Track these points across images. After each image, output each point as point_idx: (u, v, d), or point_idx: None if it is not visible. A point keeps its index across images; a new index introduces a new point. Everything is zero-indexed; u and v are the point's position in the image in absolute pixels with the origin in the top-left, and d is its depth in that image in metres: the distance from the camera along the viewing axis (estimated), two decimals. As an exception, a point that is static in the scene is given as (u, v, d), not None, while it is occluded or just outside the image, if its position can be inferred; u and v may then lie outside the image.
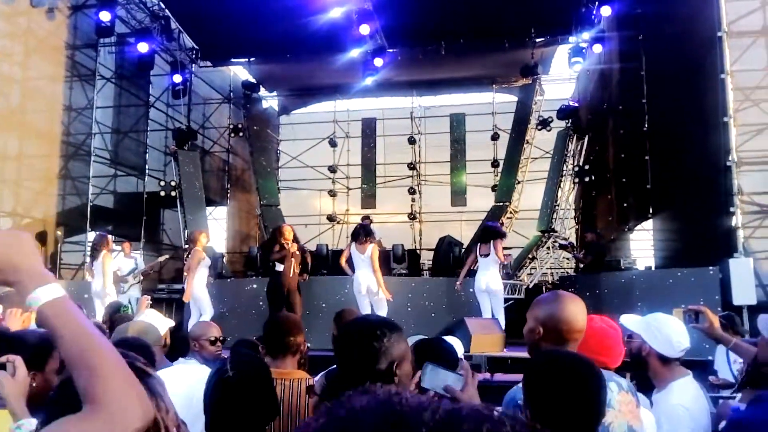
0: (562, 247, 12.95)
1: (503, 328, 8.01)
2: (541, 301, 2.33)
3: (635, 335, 3.04)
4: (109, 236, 9.58)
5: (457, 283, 8.79)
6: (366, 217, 12.39)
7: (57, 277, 11.64)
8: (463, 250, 11.36)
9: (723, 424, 2.81)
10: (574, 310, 2.20)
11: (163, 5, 13.70)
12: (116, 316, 4.49)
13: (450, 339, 3.98)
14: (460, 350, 3.94)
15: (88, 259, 9.36)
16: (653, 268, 10.73)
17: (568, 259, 13.65)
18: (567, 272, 13.75)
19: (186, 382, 2.74)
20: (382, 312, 8.19)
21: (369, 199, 18.78)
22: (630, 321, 3.11)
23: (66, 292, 1.11)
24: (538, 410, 1.70)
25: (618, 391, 2.07)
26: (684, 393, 2.86)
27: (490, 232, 8.79)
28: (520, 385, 1.98)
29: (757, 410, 2.25)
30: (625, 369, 4.44)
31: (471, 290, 8.71)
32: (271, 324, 3.17)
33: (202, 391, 2.11)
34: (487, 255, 8.57)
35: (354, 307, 5.38)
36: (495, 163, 17.13)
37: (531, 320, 2.29)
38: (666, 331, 2.93)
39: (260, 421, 2.06)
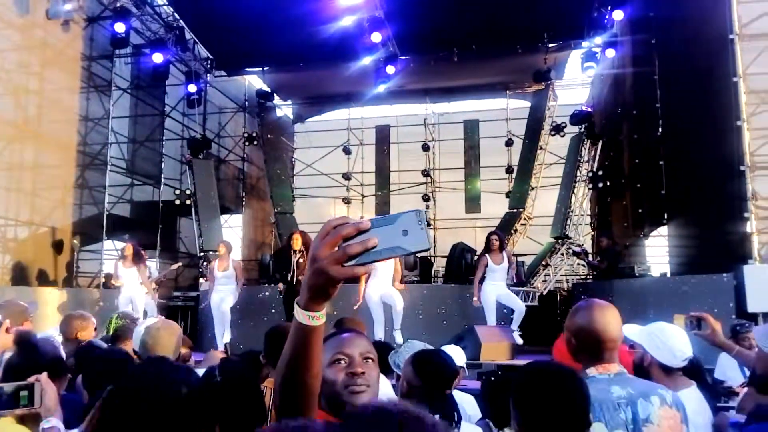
0: (576, 254, 12.85)
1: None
2: (574, 310, 2.30)
3: (637, 345, 3.01)
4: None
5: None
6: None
7: (74, 286, 11.84)
8: (475, 257, 11.31)
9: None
10: (605, 319, 2.15)
11: (177, 16, 13.86)
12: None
13: (451, 348, 3.97)
14: (461, 359, 3.93)
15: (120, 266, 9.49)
16: (668, 275, 10.60)
17: (582, 265, 13.54)
18: (582, 279, 13.65)
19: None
20: (399, 308, 8.16)
21: (383, 206, 18.79)
22: (631, 331, 3.07)
23: None
24: (525, 419, 1.70)
25: (660, 405, 2.02)
26: (687, 404, 2.80)
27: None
28: None
29: (761, 428, 2.21)
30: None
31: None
32: (271, 334, 3.18)
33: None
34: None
35: (355, 316, 5.36)
36: (509, 170, 17.05)
37: (566, 331, 2.27)
38: (668, 341, 2.88)
39: (246, 427, 2.06)
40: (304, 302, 1.18)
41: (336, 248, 1.11)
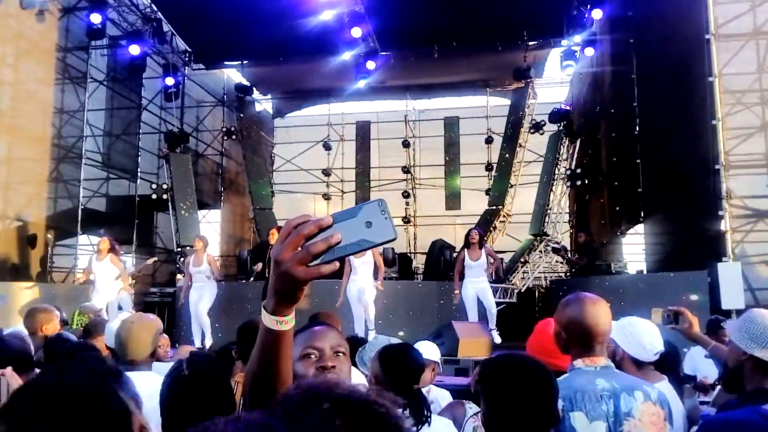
0: (555, 251, 12.93)
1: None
2: (563, 304, 2.30)
3: (609, 339, 3.01)
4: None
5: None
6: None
7: (48, 281, 11.66)
8: (454, 254, 11.33)
9: (695, 429, 2.79)
10: (597, 312, 2.16)
11: (155, 7, 13.68)
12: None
13: (425, 344, 3.95)
14: (435, 354, 3.91)
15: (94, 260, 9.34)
16: (644, 272, 10.70)
17: (561, 262, 13.62)
18: (560, 276, 13.72)
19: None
20: (371, 313, 8.22)
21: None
22: (604, 325, 3.09)
23: None
24: (490, 408, 1.69)
25: (643, 401, 2.03)
26: (658, 398, 2.83)
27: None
28: None
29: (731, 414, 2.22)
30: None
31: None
32: (243, 328, 3.14)
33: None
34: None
35: (331, 311, 5.31)
36: (489, 167, 17.10)
37: (556, 324, 2.27)
38: (638, 335, 2.90)
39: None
40: (272, 307, 1.14)
41: (299, 248, 1.07)
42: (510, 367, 1.76)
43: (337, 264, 1.09)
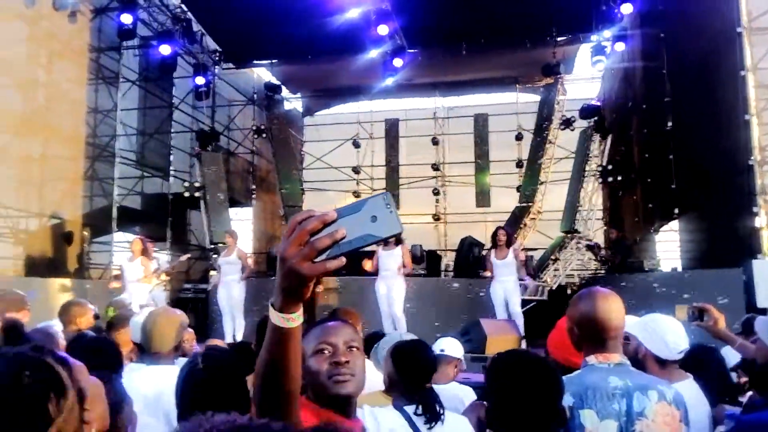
0: (589, 248, 12.78)
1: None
2: (576, 298, 2.27)
3: (631, 336, 2.97)
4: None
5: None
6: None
7: (85, 277, 11.92)
8: (483, 252, 11.28)
9: (721, 428, 2.73)
10: (609, 307, 2.12)
11: (185, 7, 13.85)
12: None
13: (448, 341, 3.95)
14: (459, 351, 3.91)
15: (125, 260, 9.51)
16: (679, 270, 10.51)
17: (594, 260, 13.44)
18: (593, 273, 13.55)
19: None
20: (398, 311, 8.22)
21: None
22: (627, 322, 3.04)
23: None
24: (495, 404, 1.68)
25: (657, 400, 1.98)
26: (682, 397, 2.78)
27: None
28: None
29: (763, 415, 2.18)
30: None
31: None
32: (262, 324, 3.16)
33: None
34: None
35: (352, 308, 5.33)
36: (519, 164, 16.96)
37: (568, 320, 2.25)
38: (662, 332, 2.84)
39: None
40: (279, 304, 1.14)
41: (304, 245, 1.07)
42: (515, 363, 1.76)
43: (343, 259, 1.09)
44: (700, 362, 3.29)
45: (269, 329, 1.17)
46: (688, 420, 2.04)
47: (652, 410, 1.94)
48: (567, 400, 1.89)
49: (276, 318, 1.15)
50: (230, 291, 9.23)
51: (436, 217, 17.93)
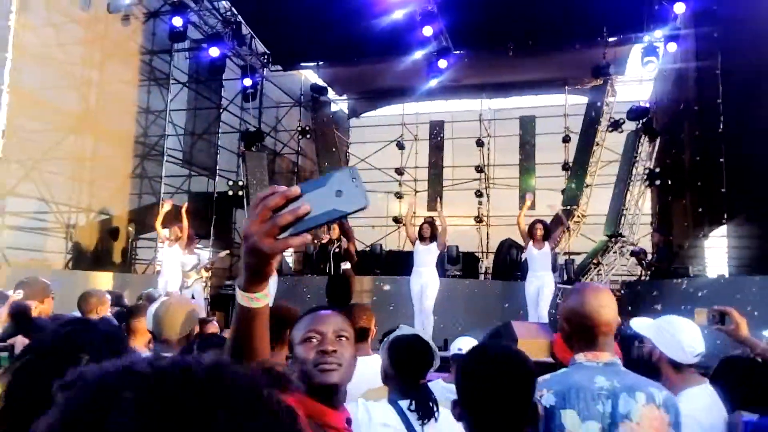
0: (634, 254, 12.44)
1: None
2: (567, 294, 2.22)
3: (646, 339, 2.88)
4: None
5: None
6: (430, 218, 12.37)
7: (132, 271, 12.28)
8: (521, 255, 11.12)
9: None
10: (598, 302, 2.04)
11: (235, 11, 14.14)
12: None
13: (464, 339, 3.90)
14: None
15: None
16: (726, 276, 10.14)
17: (639, 265, 13.08)
18: (639, 277, 13.19)
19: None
20: (429, 308, 8.16)
21: (435, 201, 18.67)
22: (640, 324, 2.95)
23: None
24: (463, 398, 1.64)
25: (645, 403, 1.89)
26: (695, 402, 2.66)
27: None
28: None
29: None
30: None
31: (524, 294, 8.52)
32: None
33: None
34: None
35: (368, 305, 5.29)
36: (565, 166, 16.63)
37: (559, 316, 2.20)
38: (678, 336, 2.74)
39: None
40: (243, 283, 1.13)
41: (266, 222, 1.05)
42: (482, 356, 1.71)
43: (308, 236, 1.08)
44: (727, 369, 3.17)
45: (236, 309, 1.17)
46: (679, 424, 1.94)
47: (638, 413, 1.85)
48: (548, 399, 1.83)
49: (240, 297, 1.14)
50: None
51: (479, 219, 17.75)
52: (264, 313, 1.17)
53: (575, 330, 2.04)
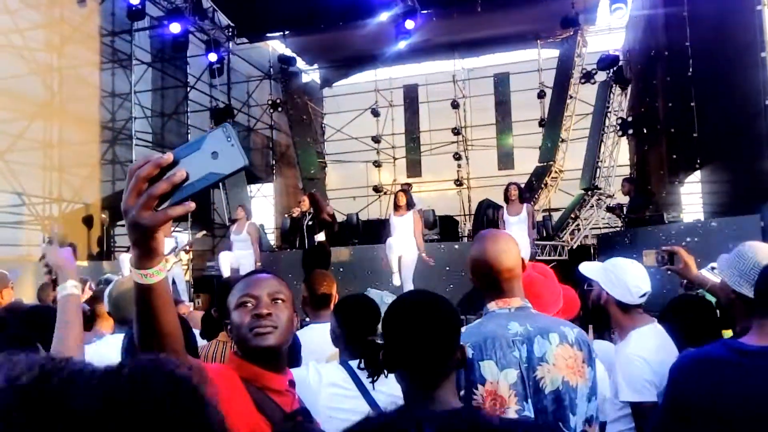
0: (609, 209, 12.41)
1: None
2: (471, 245, 2.18)
3: (594, 282, 2.85)
4: None
5: None
6: (406, 185, 12.28)
7: (111, 259, 12.13)
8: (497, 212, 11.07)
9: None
10: (498, 248, 2.00)
11: (193, -17, 13.79)
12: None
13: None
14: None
15: None
16: (702, 220, 10.15)
17: (618, 218, 13.08)
18: (614, 229, 13.21)
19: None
20: (408, 274, 8.12)
21: (415, 167, 18.60)
22: (587, 268, 2.94)
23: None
24: (392, 349, 1.61)
25: (558, 343, 1.87)
26: (643, 342, 2.65)
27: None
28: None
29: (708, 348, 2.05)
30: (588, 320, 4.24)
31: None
32: (219, 286, 3.12)
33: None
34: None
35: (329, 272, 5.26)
36: (542, 123, 16.51)
37: (467, 267, 2.16)
38: (623, 277, 2.73)
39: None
40: (134, 261, 1.11)
41: (142, 194, 1.02)
42: (402, 303, 1.67)
43: (192, 204, 1.04)
44: (676, 308, 3.16)
45: (134, 287, 1.15)
46: (593, 360, 1.92)
47: (552, 354, 1.82)
48: (467, 352, 1.79)
49: (134, 275, 1.12)
50: (240, 265, 9.25)
51: (459, 183, 17.67)
52: (161, 288, 1.15)
53: (480, 279, 2.00)
